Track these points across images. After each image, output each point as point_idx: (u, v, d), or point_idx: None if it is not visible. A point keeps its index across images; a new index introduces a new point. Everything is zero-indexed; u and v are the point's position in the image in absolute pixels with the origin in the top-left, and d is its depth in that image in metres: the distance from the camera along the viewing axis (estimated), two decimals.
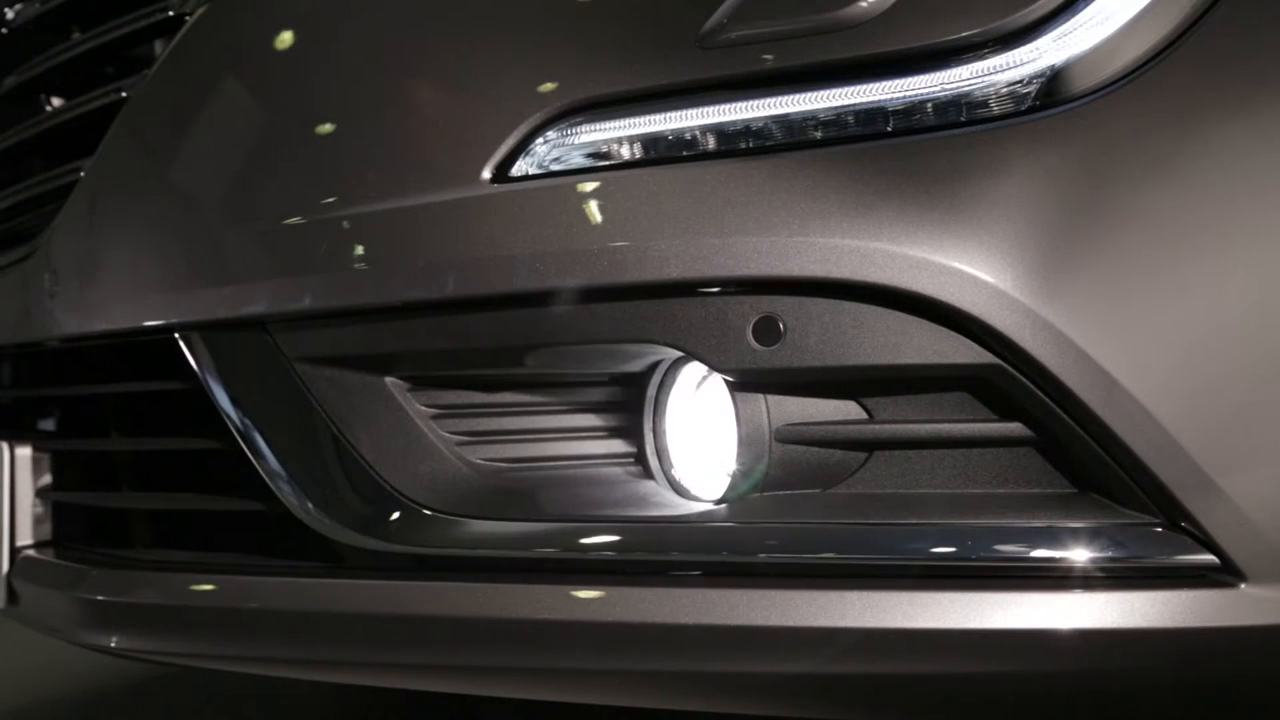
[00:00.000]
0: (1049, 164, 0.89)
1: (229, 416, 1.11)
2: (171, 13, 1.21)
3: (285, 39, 1.14)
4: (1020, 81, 0.90)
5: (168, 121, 1.20)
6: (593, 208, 0.97)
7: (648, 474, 1.04)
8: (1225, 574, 0.89)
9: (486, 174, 1.00)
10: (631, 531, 1.00)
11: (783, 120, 0.94)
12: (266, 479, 1.10)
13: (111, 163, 1.23)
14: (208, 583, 1.15)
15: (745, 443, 0.98)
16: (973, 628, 0.91)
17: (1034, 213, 0.89)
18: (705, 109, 0.95)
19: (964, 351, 0.91)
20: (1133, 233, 0.88)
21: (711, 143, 0.95)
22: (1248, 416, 0.89)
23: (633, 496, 1.03)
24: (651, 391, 1.05)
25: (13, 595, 1.34)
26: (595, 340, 1.01)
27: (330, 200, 1.05)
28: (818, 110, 0.93)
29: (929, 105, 0.91)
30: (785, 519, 0.97)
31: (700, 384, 1.03)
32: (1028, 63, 0.90)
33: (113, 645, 1.20)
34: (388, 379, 1.07)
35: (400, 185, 1.03)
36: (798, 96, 0.93)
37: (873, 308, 0.92)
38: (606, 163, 0.98)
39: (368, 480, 1.06)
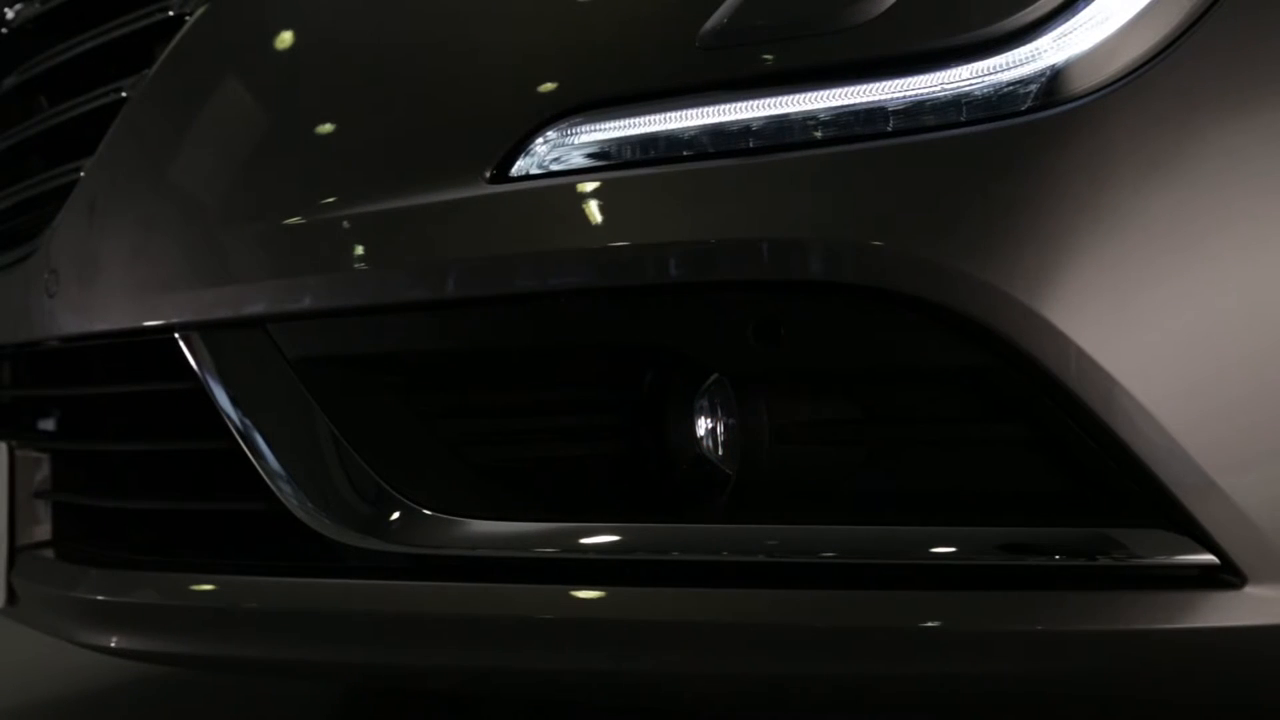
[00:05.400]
0: (1049, 164, 0.89)
1: (229, 416, 1.11)
2: (171, 13, 1.21)
3: (285, 39, 1.14)
4: (1020, 81, 0.90)
5: (168, 121, 1.20)
6: (593, 208, 0.97)
7: (649, 474, 1.04)
8: (1226, 574, 0.89)
9: (486, 174, 1.00)
10: (631, 531, 1.00)
11: (782, 120, 0.94)
12: (266, 479, 1.10)
13: (111, 163, 1.23)
14: (208, 583, 1.15)
15: (745, 443, 0.98)
16: (972, 628, 0.91)
17: (1034, 213, 0.89)
18: (705, 109, 0.95)
19: (964, 351, 0.91)
20: (1132, 232, 0.88)
21: (711, 143, 0.95)
22: (1248, 416, 0.89)
23: (633, 496, 1.03)
24: (651, 391, 1.05)
25: (13, 595, 1.34)
26: (595, 340, 1.01)
27: (330, 200, 1.05)
28: (817, 110, 0.93)
29: (929, 105, 0.91)
30: (785, 519, 0.96)
31: (700, 384, 1.03)
32: (1027, 63, 0.90)
33: (113, 645, 1.20)
34: (387, 379, 1.07)
35: (400, 185, 1.03)
36: (797, 97, 0.93)
37: (873, 308, 0.92)
38: (606, 163, 0.98)
39: (368, 480, 1.06)
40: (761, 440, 0.98)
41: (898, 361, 0.94)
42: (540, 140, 0.99)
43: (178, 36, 1.19)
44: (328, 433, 1.08)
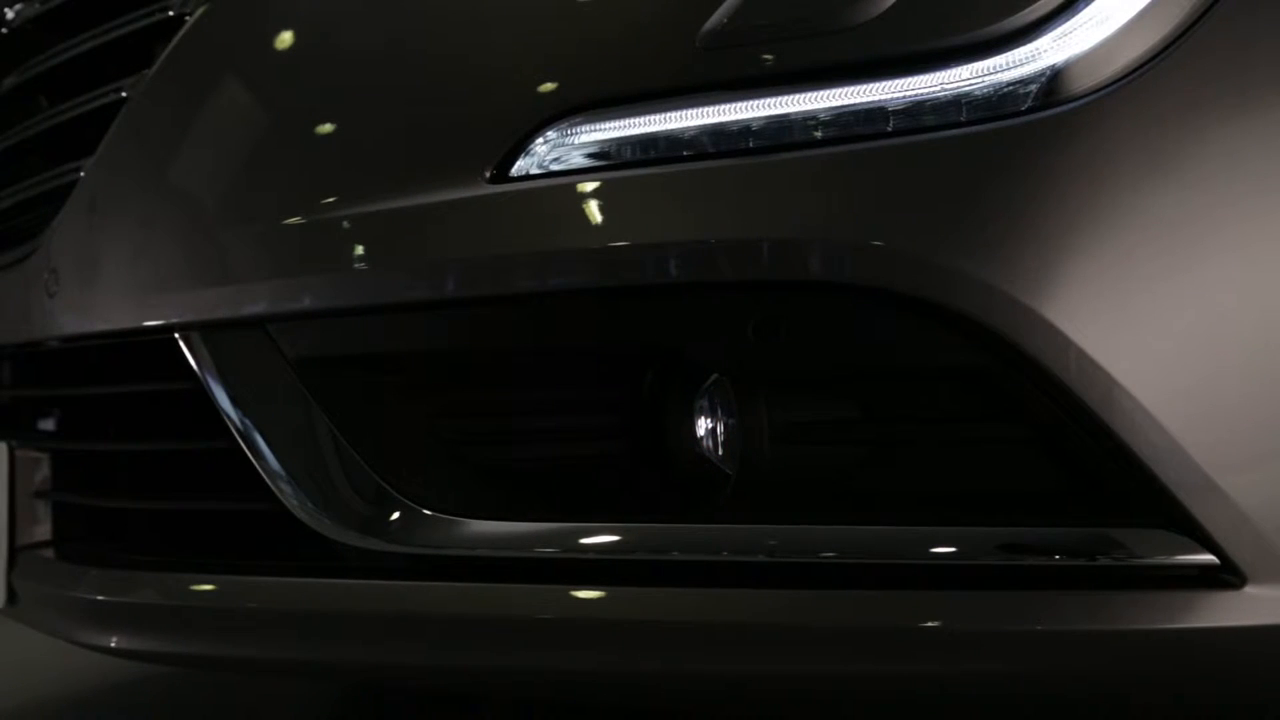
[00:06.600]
0: (1049, 164, 0.89)
1: (229, 416, 1.11)
2: (171, 13, 1.21)
3: (285, 39, 1.14)
4: (1020, 81, 0.90)
5: (168, 121, 1.20)
6: (592, 208, 0.97)
7: (648, 473, 1.04)
8: (1226, 574, 0.89)
9: (486, 174, 1.00)
10: (631, 531, 1.00)
11: (782, 120, 0.94)
12: (266, 479, 1.10)
13: (111, 163, 1.23)
14: (208, 583, 1.15)
15: (745, 443, 0.98)
16: (972, 628, 0.91)
17: (1034, 213, 0.89)
18: (705, 109, 0.95)
19: (964, 351, 0.91)
20: (1132, 232, 0.88)
21: (711, 143, 0.95)
22: (1248, 416, 0.89)
23: (633, 496, 1.03)
24: (651, 391, 1.05)
25: (13, 595, 1.34)
26: (595, 340, 1.01)
27: (330, 200, 1.05)
28: (817, 110, 0.93)
29: (929, 105, 0.91)
30: (785, 519, 0.96)
31: (700, 384, 1.03)
32: (1027, 63, 0.90)
33: (113, 645, 1.20)
34: (386, 378, 1.07)
35: (400, 185, 1.03)
36: (797, 97, 0.93)
37: (872, 308, 0.92)
38: (606, 163, 0.98)
39: (368, 480, 1.06)
40: (761, 440, 0.98)
41: (897, 361, 0.94)
42: (540, 140, 0.99)
43: (178, 36, 1.19)
44: (328, 433, 1.08)
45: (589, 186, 0.97)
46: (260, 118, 1.15)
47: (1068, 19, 0.90)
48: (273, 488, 1.10)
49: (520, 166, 0.99)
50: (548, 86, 1.00)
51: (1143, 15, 0.89)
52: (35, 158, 1.43)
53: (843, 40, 0.92)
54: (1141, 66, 0.89)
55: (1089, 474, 0.92)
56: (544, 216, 0.98)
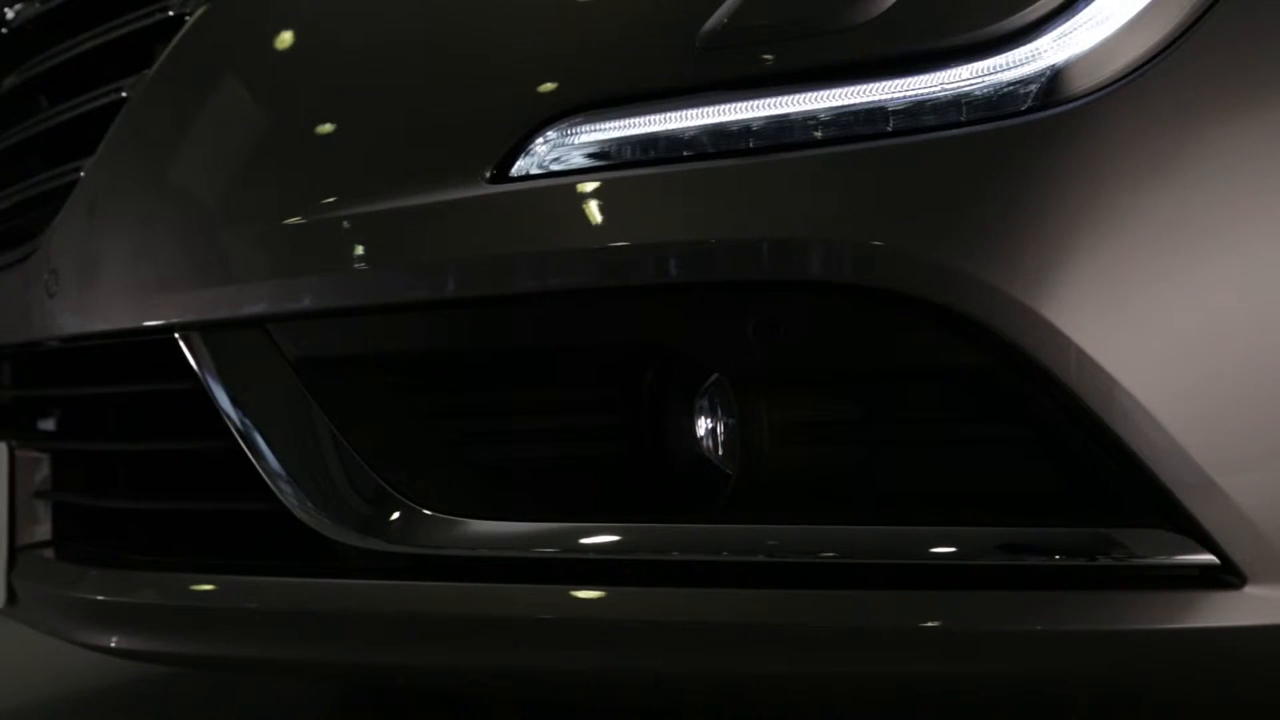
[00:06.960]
0: (1049, 164, 0.89)
1: (229, 416, 1.11)
2: (171, 13, 1.22)
3: (285, 39, 1.14)
4: (1020, 81, 0.90)
5: (168, 121, 1.20)
6: (592, 208, 0.97)
7: (648, 474, 1.04)
8: (1226, 574, 0.89)
9: (486, 174, 1.00)
10: (631, 531, 1.00)
11: (782, 120, 0.94)
12: (266, 479, 1.10)
13: (111, 163, 1.23)
14: (208, 583, 1.15)
15: (745, 443, 0.98)
16: (972, 628, 0.91)
17: (1034, 213, 0.89)
18: (704, 109, 0.95)
19: (964, 352, 0.91)
20: (1132, 232, 0.88)
21: (711, 143, 0.95)
22: (1248, 416, 0.89)
23: (633, 496, 1.03)
24: (651, 391, 1.05)
25: (13, 595, 1.34)
26: (595, 340, 1.01)
27: (330, 200, 1.05)
28: (817, 110, 0.93)
29: (929, 105, 0.91)
30: (785, 519, 0.96)
31: (700, 384, 1.03)
32: (1027, 63, 0.90)
33: (113, 645, 1.20)
34: (387, 379, 1.07)
35: (400, 185, 1.03)
36: (797, 97, 0.93)
37: (872, 308, 0.92)
38: (606, 163, 0.98)
39: (368, 480, 1.06)
40: (761, 440, 0.98)
41: (898, 361, 0.94)
42: (540, 140, 0.99)
43: (178, 36, 1.19)
44: (328, 433, 1.08)
45: (589, 186, 0.97)
46: (260, 118, 1.15)
47: (1068, 19, 0.90)
48: (273, 488, 1.10)
49: (520, 166, 0.99)
50: (547, 86, 1.00)
51: (1142, 15, 0.89)
52: (35, 158, 1.43)
53: (843, 40, 0.92)
54: (1141, 66, 0.89)
55: (1089, 474, 0.92)
56: (544, 216, 0.98)
